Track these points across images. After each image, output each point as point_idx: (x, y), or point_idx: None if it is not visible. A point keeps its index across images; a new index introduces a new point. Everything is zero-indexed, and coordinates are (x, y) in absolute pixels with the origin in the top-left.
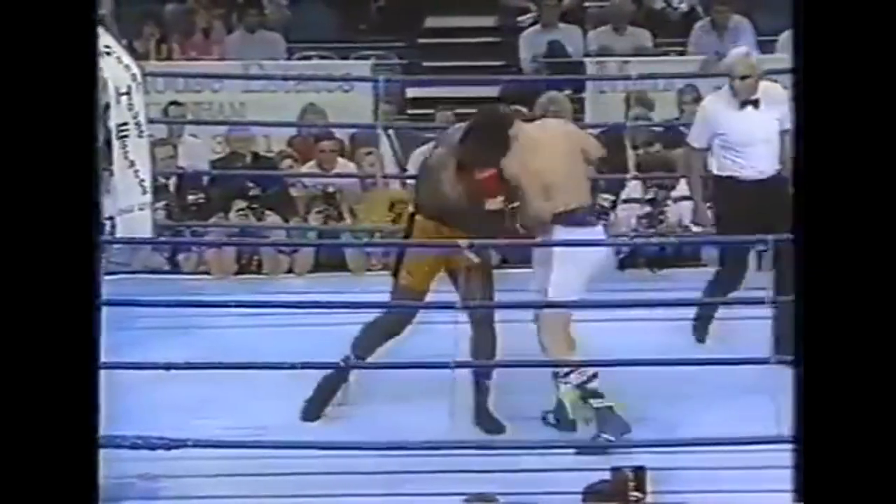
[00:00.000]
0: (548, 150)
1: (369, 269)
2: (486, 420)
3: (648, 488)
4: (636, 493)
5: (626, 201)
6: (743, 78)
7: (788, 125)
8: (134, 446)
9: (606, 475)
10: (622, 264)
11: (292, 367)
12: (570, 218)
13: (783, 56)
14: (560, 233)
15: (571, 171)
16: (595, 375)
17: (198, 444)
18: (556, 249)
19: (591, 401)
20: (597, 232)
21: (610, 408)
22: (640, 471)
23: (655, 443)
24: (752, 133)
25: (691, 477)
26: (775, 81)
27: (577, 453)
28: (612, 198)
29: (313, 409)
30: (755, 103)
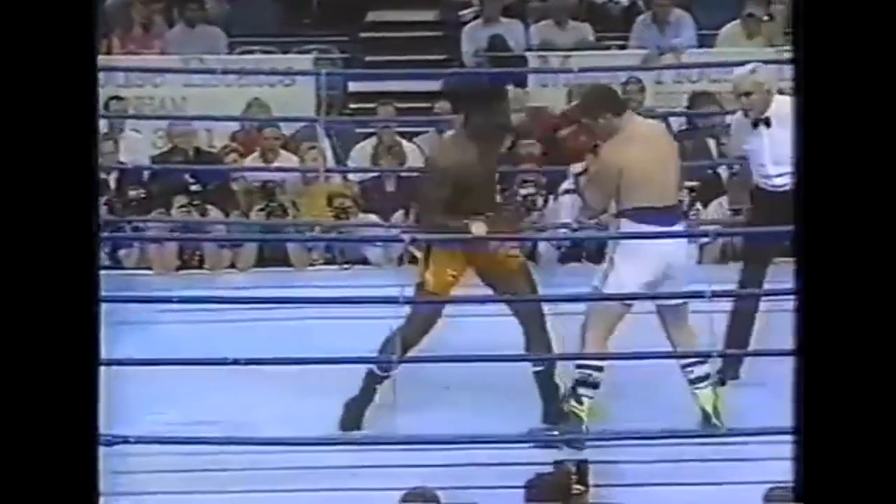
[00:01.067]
0: (652, 146)
1: (311, 265)
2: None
3: (590, 482)
4: (578, 487)
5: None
6: (747, 94)
7: None
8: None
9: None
10: (563, 259)
11: (234, 362)
12: (654, 215)
13: (725, 50)
14: (633, 228)
15: (667, 170)
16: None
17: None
18: (623, 245)
19: (575, 401)
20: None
21: (579, 415)
22: (582, 464)
23: (598, 436)
24: (769, 151)
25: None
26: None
27: (521, 447)
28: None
29: (350, 419)
30: (767, 122)
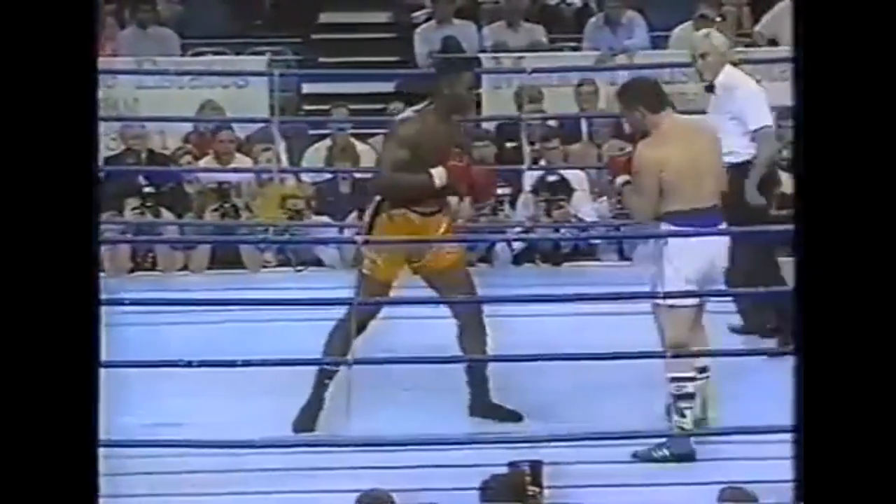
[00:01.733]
0: (696, 145)
1: (264, 266)
2: (491, 410)
3: (545, 482)
4: (533, 488)
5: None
6: (703, 56)
7: (744, 116)
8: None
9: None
10: (517, 259)
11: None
12: (694, 217)
13: (678, 51)
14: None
15: (710, 170)
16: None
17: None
18: (669, 246)
19: (679, 415)
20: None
21: (685, 428)
22: (536, 465)
23: (555, 437)
24: (712, 118)
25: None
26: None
27: (475, 449)
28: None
29: (303, 420)
30: (711, 88)
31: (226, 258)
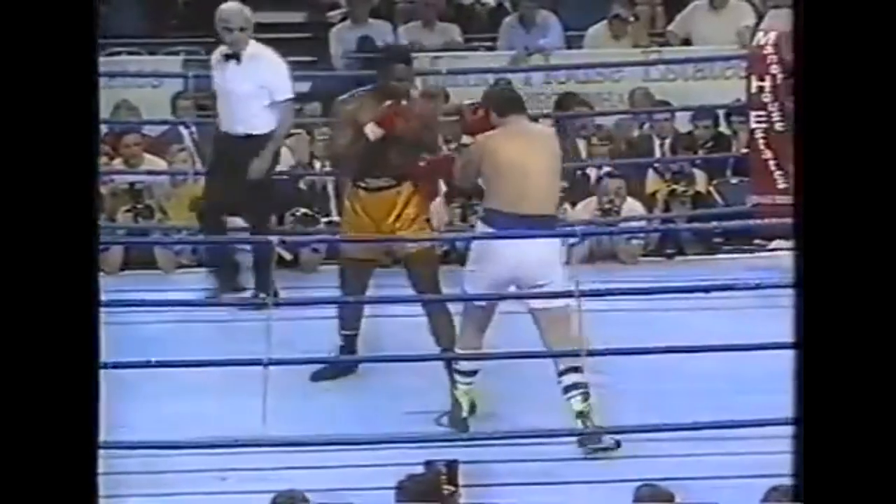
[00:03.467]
0: (533, 153)
1: (180, 267)
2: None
3: (461, 481)
4: (449, 487)
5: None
6: (241, 29)
7: (271, 86)
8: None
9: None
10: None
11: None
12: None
13: (592, 51)
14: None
15: (541, 179)
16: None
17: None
18: (473, 250)
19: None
20: None
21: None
22: (452, 464)
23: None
24: (224, 87)
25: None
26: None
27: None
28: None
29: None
30: (237, 57)
31: (139, 259)
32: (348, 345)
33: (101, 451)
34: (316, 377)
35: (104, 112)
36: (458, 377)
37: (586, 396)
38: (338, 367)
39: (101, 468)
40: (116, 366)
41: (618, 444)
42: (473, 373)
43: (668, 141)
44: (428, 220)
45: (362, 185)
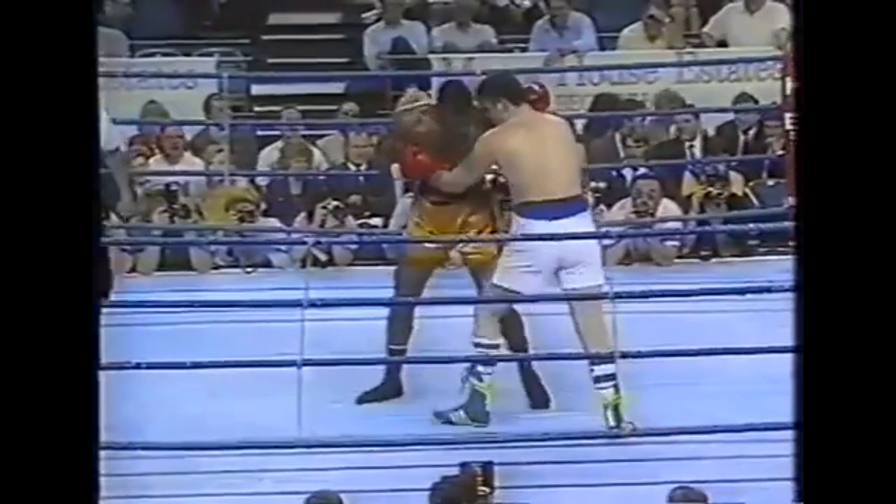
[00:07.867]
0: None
1: (215, 268)
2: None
3: (496, 483)
4: (484, 489)
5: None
6: None
7: None
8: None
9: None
10: None
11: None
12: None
13: (626, 52)
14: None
15: (560, 162)
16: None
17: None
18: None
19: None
20: None
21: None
22: (488, 466)
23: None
24: None
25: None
26: None
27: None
28: None
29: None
30: None
31: (175, 260)
32: (395, 364)
33: (132, 452)
34: (361, 401)
35: (136, 114)
36: (481, 368)
37: (617, 389)
38: (385, 391)
39: (116, 469)
40: (151, 366)
41: (634, 429)
42: (494, 363)
43: (697, 142)
44: (493, 231)
45: (429, 198)
